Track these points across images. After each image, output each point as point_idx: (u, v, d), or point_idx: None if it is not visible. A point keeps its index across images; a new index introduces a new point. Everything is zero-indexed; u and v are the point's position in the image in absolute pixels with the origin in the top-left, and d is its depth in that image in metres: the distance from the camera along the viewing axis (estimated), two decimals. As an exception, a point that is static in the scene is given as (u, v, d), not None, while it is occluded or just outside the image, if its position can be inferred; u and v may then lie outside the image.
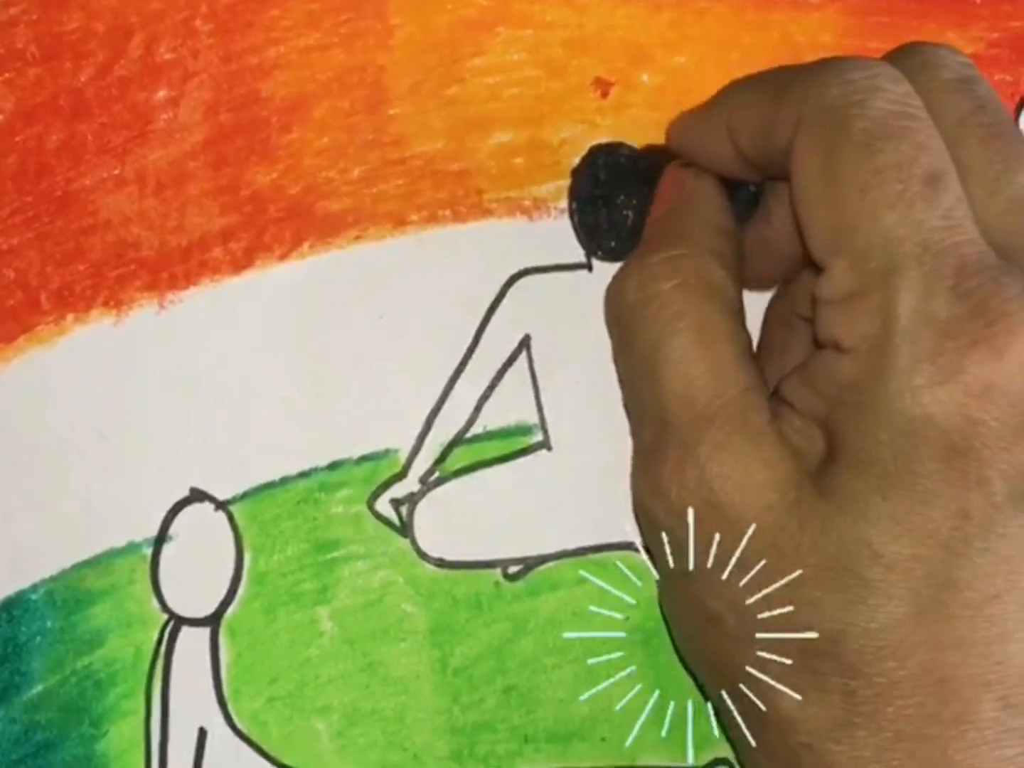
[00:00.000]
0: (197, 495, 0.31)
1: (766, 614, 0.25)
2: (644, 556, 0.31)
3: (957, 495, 0.23)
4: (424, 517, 0.32)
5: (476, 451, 0.32)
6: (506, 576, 0.32)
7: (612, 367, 0.31)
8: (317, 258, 0.32)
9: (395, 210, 0.32)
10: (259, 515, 0.31)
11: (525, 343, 0.32)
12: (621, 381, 0.30)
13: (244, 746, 0.31)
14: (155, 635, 0.31)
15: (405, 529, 0.32)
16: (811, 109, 0.26)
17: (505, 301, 0.32)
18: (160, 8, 0.32)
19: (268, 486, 0.31)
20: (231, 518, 0.31)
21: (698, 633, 0.28)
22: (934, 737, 0.24)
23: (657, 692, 0.32)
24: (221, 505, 0.31)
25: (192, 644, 0.31)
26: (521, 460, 0.32)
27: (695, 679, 0.31)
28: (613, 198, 0.32)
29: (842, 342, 0.25)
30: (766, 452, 0.26)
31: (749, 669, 0.25)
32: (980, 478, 0.23)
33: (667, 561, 0.28)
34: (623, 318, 0.29)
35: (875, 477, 0.24)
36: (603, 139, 0.33)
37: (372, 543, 0.32)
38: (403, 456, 0.32)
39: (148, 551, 0.31)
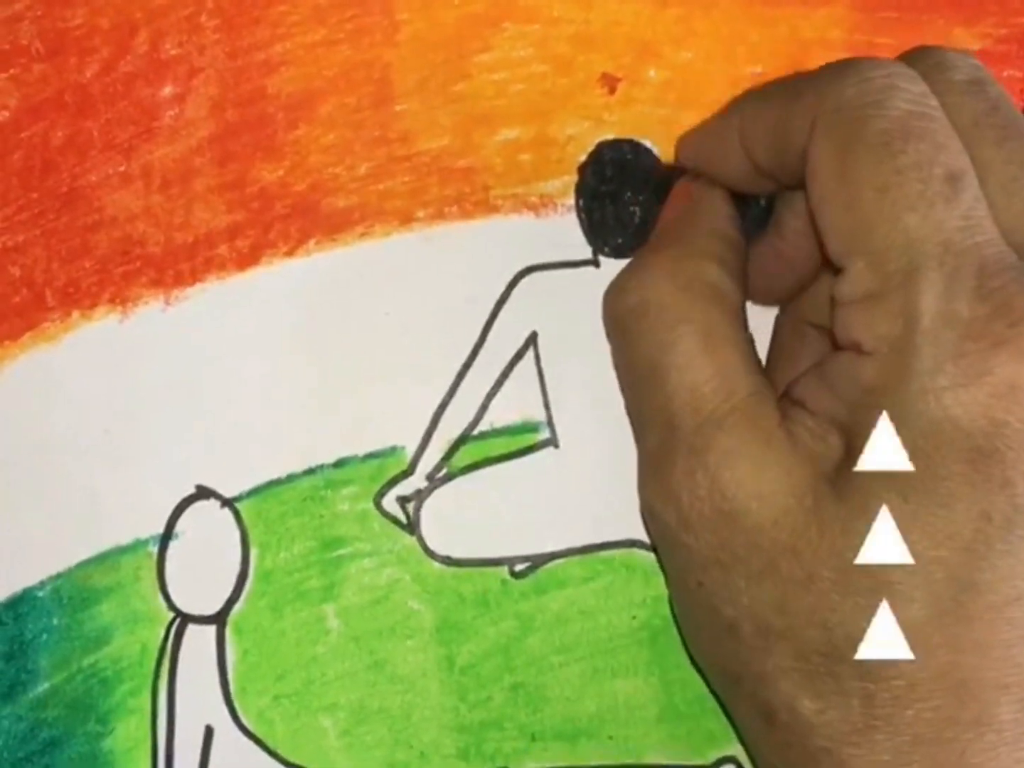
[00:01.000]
0: (203, 492, 0.31)
1: (785, 621, 0.25)
2: (650, 555, 0.31)
3: (979, 497, 0.23)
4: (431, 514, 0.32)
5: (483, 448, 0.32)
6: (513, 574, 0.32)
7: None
8: (323, 255, 0.32)
9: (401, 207, 0.32)
10: (265, 512, 0.31)
11: (532, 340, 0.32)
12: (623, 385, 0.30)
13: (250, 744, 0.31)
14: (161, 633, 0.31)
15: (412, 527, 0.32)
16: (827, 110, 0.25)
17: (512, 298, 0.32)
18: (165, 4, 0.32)
19: (274, 483, 0.31)
20: (237, 515, 0.31)
21: (714, 641, 0.27)
22: (952, 740, 0.23)
23: (664, 690, 0.32)
24: (227, 502, 0.31)
25: (198, 642, 0.31)
26: (528, 457, 0.32)
27: (708, 682, 0.31)
28: (620, 194, 0.32)
29: (862, 343, 0.25)
30: (778, 456, 0.25)
31: (767, 675, 0.25)
32: (1003, 480, 0.23)
33: (679, 569, 0.27)
34: (624, 321, 0.28)
35: (897, 479, 0.24)
36: (610, 135, 0.32)
37: (378, 540, 0.31)
38: (410, 453, 0.32)
39: (154, 548, 0.31)
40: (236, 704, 0.31)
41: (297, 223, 0.32)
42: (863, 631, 0.24)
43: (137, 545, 0.31)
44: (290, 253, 0.32)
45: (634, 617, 0.32)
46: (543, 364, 0.32)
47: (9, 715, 0.30)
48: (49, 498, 0.31)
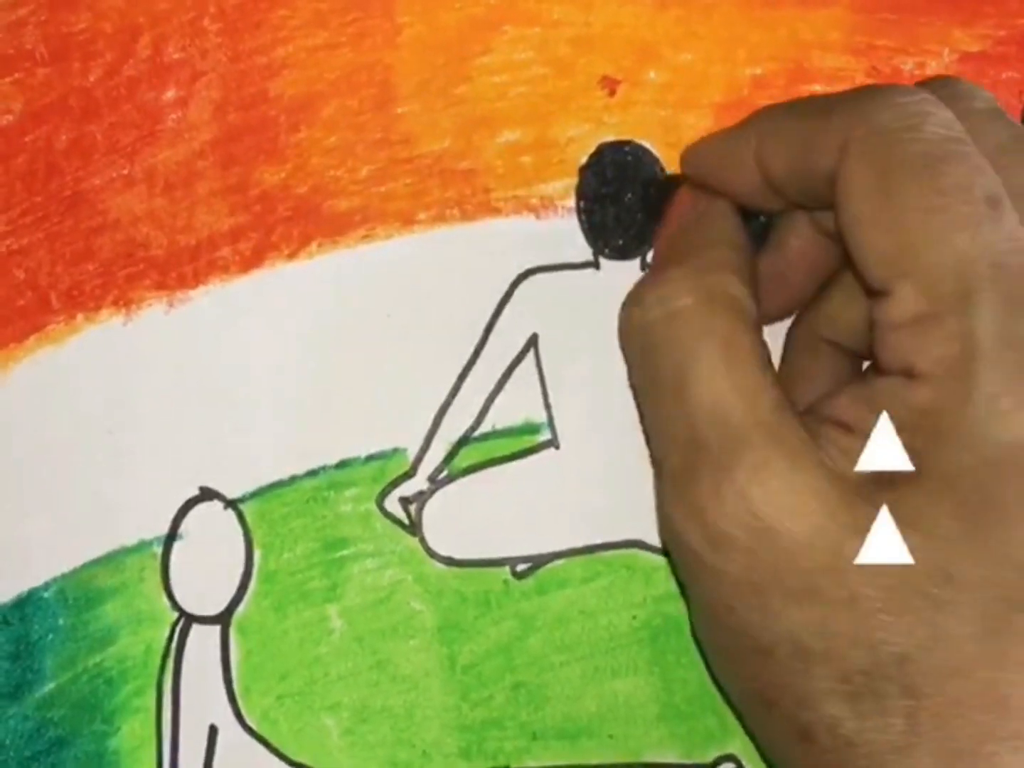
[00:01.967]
0: (207, 494, 0.32)
1: (825, 642, 0.24)
2: (651, 555, 0.31)
3: None
4: (433, 515, 0.32)
5: (484, 450, 0.32)
6: (514, 574, 0.32)
7: (619, 364, 0.31)
8: (325, 257, 0.32)
9: (403, 209, 0.32)
10: (268, 513, 0.32)
11: (533, 342, 0.32)
12: (641, 402, 0.30)
13: (254, 743, 0.31)
14: (166, 633, 0.31)
15: (414, 527, 0.32)
16: (862, 134, 0.25)
17: (513, 300, 0.32)
18: (168, 8, 0.32)
19: (277, 485, 0.32)
20: (241, 516, 0.32)
21: (744, 665, 0.26)
22: (991, 754, 0.23)
23: (664, 689, 0.32)
24: (231, 503, 0.32)
25: (202, 642, 0.31)
26: (529, 458, 0.32)
27: (730, 703, 0.31)
28: (621, 196, 0.32)
29: (915, 366, 0.24)
30: (807, 473, 0.25)
31: (805, 698, 0.25)
32: None
33: (706, 593, 0.26)
34: (644, 336, 0.28)
35: (953, 501, 0.24)
36: (610, 137, 0.33)
37: (381, 541, 0.32)
38: (411, 455, 0.32)
39: (158, 549, 0.31)
40: (240, 703, 0.31)
41: (299, 226, 0.32)
42: (912, 648, 0.24)
43: (142, 546, 0.31)
44: (292, 256, 0.32)
45: (634, 617, 0.32)
46: (544, 366, 0.32)
47: (15, 715, 0.31)
48: (54, 499, 0.31)
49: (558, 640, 0.32)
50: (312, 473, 0.32)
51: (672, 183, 0.31)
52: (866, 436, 0.25)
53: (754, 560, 0.25)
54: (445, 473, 0.32)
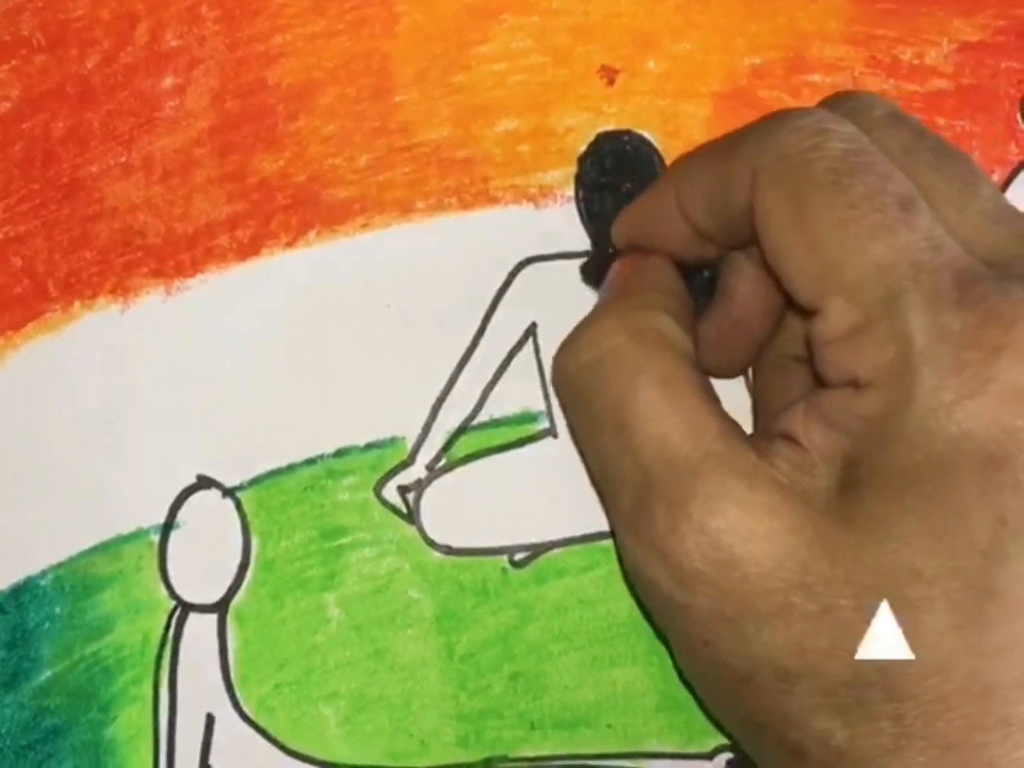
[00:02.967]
0: (204, 482, 0.32)
1: (803, 660, 0.24)
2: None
3: (994, 503, 0.23)
4: (431, 504, 0.32)
5: (482, 438, 0.32)
6: (512, 563, 0.32)
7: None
8: (324, 246, 0.32)
9: (401, 198, 0.32)
10: (266, 502, 0.32)
11: (531, 331, 0.32)
12: (583, 448, 0.30)
13: (252, 732, 0.31)
14: (163, 621, 0.31)
15: (412, 516, 0.32)
16: (767, 161, 0.25)
17: (511, 288, 0.32)
18: (166, -5, 0.32)
19: (275, 473, 0.32)
20: (238, 505, 0.32)
21: (729, 695, 0.26)
22: (981, 744, 0.23)
23: (663, 679, 0.32)
24: (228, 492, 0.32)
25: (200, 630, 0.31)
26: (527, 447, 0.32)
27: (723, 731, 0.31)
28: (619, 185, 0.32)
29: (858, 377, 0.24)
30: (763, 494, 0.25)
31: (792, 717, 0.25)
32: (1015, 483, 0.23)
33: (680, 631, 0.26)
34: (580, 379, 0.28)
35: (911, 499, 0.24)
36: (609, 126, 0.33)
37: (379, 530, 0.32)
38: (410, 443, 0.32)
39: (156, 538, 0.31)
40: (237, 692, 0.31)
41: (297, 214, 0.32)
42: None
43: (139, 534, 0.31)
44: (290, 244, 0.32)
45: (633, 606, 0.32)
46: (542, 355, 0.32)
47: (12, 703, 0.31)
48: (51, 487, 0.31)
49: (556, 629, 0.32)
50: (310, 461, 0.32)
51: (611, 258, 0.31)
52: (817, 449, 0.25)
53: (722, 591, 0.25)
54: (443, 462, 0.32)
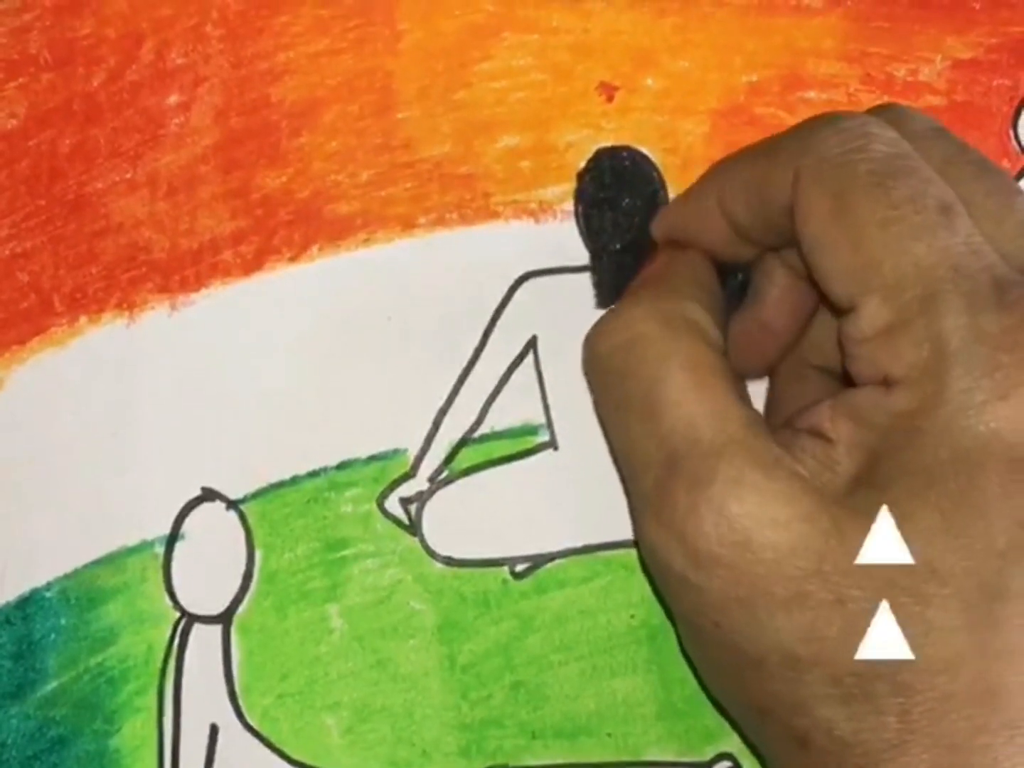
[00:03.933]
0: (208, 494, 0.32)
1: (814, 648, 0.24)
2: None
3: (1016, 505, 0.23)
4: (432, 516, 0.32)
5: (484, 451, 0.32)
6: (513, 574, 0.32)
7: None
8: (326, 261, 0.32)
9: (403, 213, 0.33)
10: (270, 514, 0.32)
11: (532, 344, 0.33)
12: (609, 428, 0.30)
13: (255, 742, 0.31)
14: (167, 633, 0.31)
15: (414, 528, 0.32)
16: (810, 162, 0.26)
17: (512, 303, 0.33)
18: (171, 14, 0.32)
19: (278, 485, 0.32)
20: (242, 517, 0.32)
21: (736, 678, 0.27)
22: (985, 746, 0.23)
23: (662, 688, 0.32)
24: (232, 504, 0.32)
25: (204, 641, 0.31)
26: (528, 460, 0.32)
27: (725, 715, 0.31)
28: (618, 201, 0.33)
29: (891, 374, 0.25)
30: (783, 483, 0.25)
31: (799, 705, 0.25)
32: None
33: (691, 612, 0.27)
34: (610, 361, 0.28)
35: (934, 496, 0.24)
36: (608, 142, 0.33)
37: (381, 542, 0.32)
38: (412, 456, 0.32)
39: (160, 550, 0.32)
40: (241, 703, 0.31)
41: (300, 229, 0.32)
42: None
43: (143, 546, 0.32)
44: (294, 259, 0.32)
45: (633, 616, 0.32)
46: (543, 368, 0.32)
47: (17, 714, 0.31)
48: (56, 500, 0.31)
49: (557, 639, 0.32)
50: (313, 474, 0.32)
51: (652, 244, 0.32)
52: (845, 445, 0.25)
53: (738, 574, 0.25)
54: (445, 474, 0.32)
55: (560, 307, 0.33)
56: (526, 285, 0.33)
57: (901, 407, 0.24)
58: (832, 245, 0.25)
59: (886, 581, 0.24)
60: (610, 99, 0.33)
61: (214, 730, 0.31)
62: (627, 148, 0.33)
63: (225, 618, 0.32)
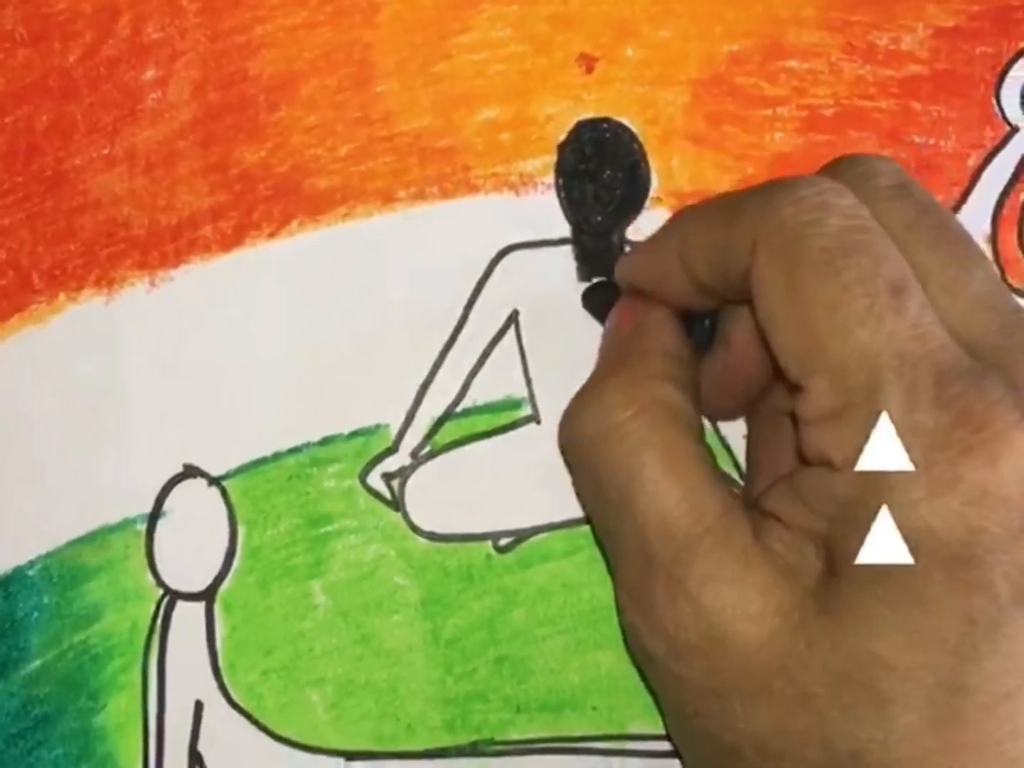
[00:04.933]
0: (190, 471, 0.32)
1: (784, 742, 0.25)
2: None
3: (962, 602, 0.23)
4: (415, 491, 0.32)
5: (466, 425, 0.32)
6: (497, 548, 0.32)
7: (599, 340, 0.31)
8: (306, 236, 0.32)
9: (383, 187, 0.32)
10: (252, 490, 0.32)
11: (513, 318, 0.32)
12: (589, 511, 0.30)
13: (240, 718, 0.31)
14: (151, 610, 0.31)
15: (397, 503, 0.32)
16: (766, 230, 0.25)
17: (493, 276, 0.32)
18: (147, -12, 0.32)
19: (260, 462, 0.32)
20: (224, 493, 0.32)
21: (716, 764, 0.27)
22: None
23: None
24: (214, 481, 0.32)
25: (187, 618, 0.32)
26: (510, 434, 0.32)
27: None
28: (599, 173, 0.32)
29: (833, 459, 0.25)
30: (758, 575, 0.25)
31: None
32: (983, 583, 0.23)
33: (673, 699, 0.27)
34: (584, 450, 0.28)
35: (881, 590, 0.24)
36: (589, 114, 0.33)
37: (364, 517, 0.32)
38: (394, 431, 0.32)
39: (143, 527, 0.32)
40: (225, 679, 0.31)
41: (280, 204, 0.32)
42: (863, 743, 0.24)
43: (126, 524, 0.32)
44: (273, 234, 0.32)
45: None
46: (524, 341, 0.32)
47: (1, 692, 0.31)
48: (38, 478, 0.31)
49: (541, 613, 0.32)
50: (295, 450, 0.32)
51: (614, 289, 0.31)
52: (802, 532, 0.26)
53: (713, 666, 0.25)
54: (427, 449, 0.32)
55: (541, 280, 0.32)
56: (507, 258, 0.32)
57: (844, 494, 0.24)
58: (784, 322, 0.25)
59: (846, 678, 0.24)
60: (590, 70, 0.33)
61: (199, 706, 0.31)
62: (607, 120, 0.33)
63: (208, 595, 0.32)
